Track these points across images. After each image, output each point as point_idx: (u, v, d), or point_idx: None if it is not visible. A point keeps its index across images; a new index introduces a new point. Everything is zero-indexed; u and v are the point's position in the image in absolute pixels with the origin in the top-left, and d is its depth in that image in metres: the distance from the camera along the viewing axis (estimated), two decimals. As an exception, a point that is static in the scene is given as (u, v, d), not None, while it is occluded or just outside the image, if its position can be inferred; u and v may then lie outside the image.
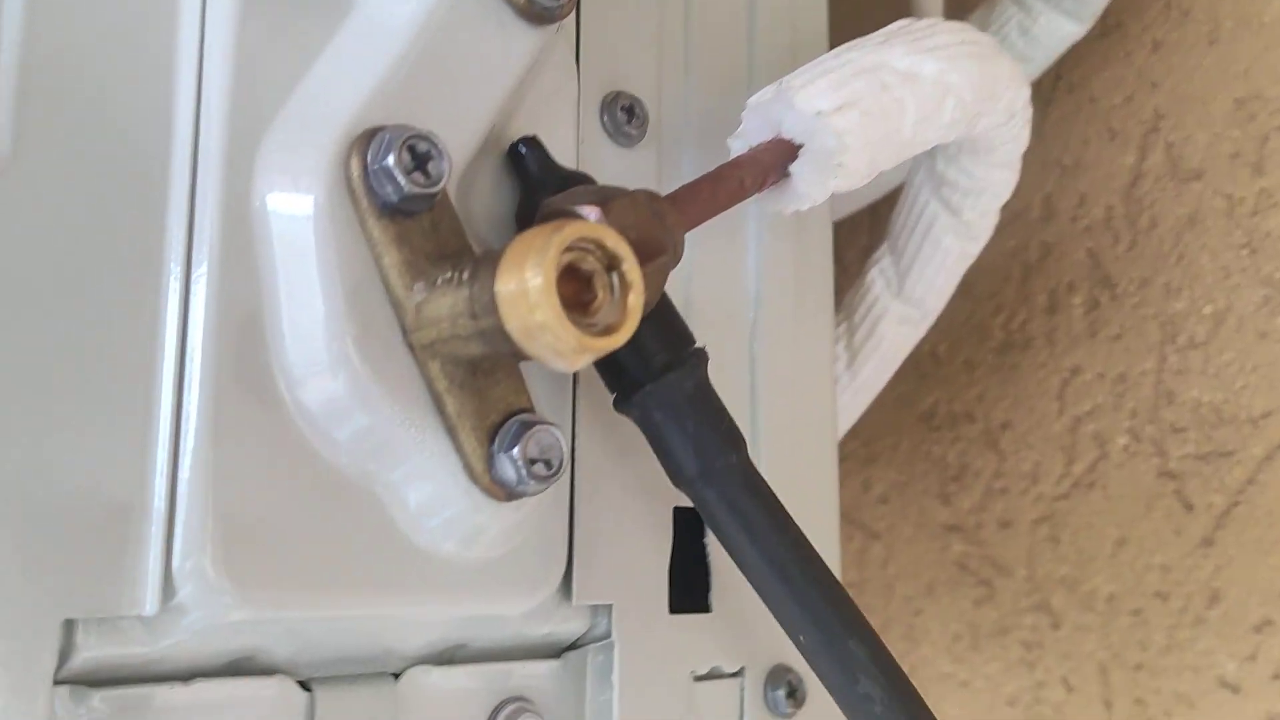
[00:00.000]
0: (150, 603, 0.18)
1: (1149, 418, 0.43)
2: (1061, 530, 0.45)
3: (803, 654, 0.22)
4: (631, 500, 0.25)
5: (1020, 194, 0.36)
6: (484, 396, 0.20)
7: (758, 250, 0.29)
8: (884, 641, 0.23)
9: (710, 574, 0.26)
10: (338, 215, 0.19)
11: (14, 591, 0.17)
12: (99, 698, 0.18)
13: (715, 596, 0.26)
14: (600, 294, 0.18)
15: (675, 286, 0.27)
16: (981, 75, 0.26)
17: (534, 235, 0.17)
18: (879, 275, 0.37)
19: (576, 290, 0.18)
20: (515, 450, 0.20)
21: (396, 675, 0.22)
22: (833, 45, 0.56)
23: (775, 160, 0.23)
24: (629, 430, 0.25)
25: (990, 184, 0.32)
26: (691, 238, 0.23)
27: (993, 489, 0.47)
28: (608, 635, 0.25)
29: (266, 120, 0.20)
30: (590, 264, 0.18)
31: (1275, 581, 0.38)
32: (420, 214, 0.20)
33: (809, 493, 0.29)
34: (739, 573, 0.27)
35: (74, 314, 0.18)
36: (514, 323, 0.17)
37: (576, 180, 0.23)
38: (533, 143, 0.23)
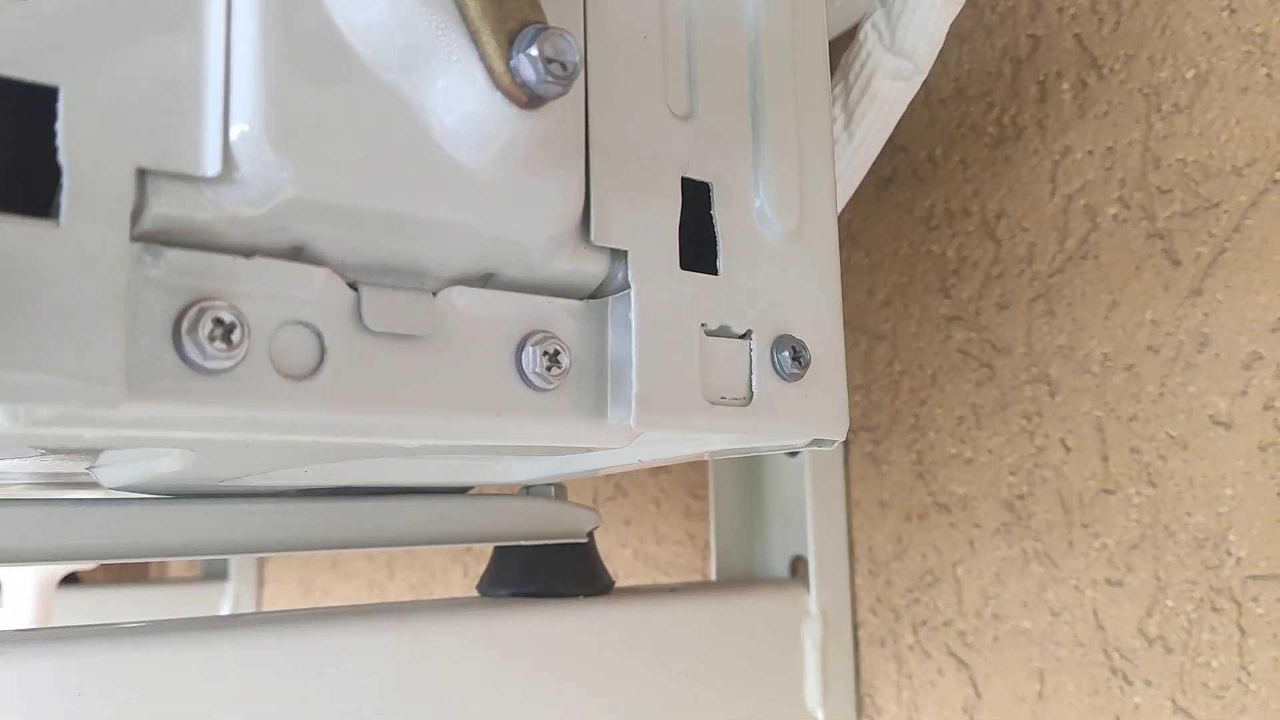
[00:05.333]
0: (212, 164, 0.20)
1: (1137, 185, 0.44)
2: (1056, 304, 0.47)
3: None
4: (642, 160, 0.27)
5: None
6: (502, 5, 0.22)
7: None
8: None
9: (718, 240, 0.28)
10: None
11: (96, 139, 0.19)
12: (171, 255, 0.20)
13: (722, 261, 0.28)
14: None
15: (674, 28, 0.28)
16: None
17: None
18: (871, 30, 0.39)
19: None
20: (532, 49, 0.22)
21: (434, 294, 0.24)
22: None
23: None
24: (638, 97, 0.27)
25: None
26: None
27: (990, 276, 0.49)
28: (626, 285, 0.27)
29: None
30: None
31: (1263, 318, 0.40)
32: None
33: (811, 248, 0.30)
34: (746, 244, 0.29)
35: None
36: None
37: None
38: None
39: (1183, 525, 0.42)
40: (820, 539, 0.53)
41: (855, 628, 0.54)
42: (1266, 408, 0.40)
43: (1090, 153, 0.46)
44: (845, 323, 0.55)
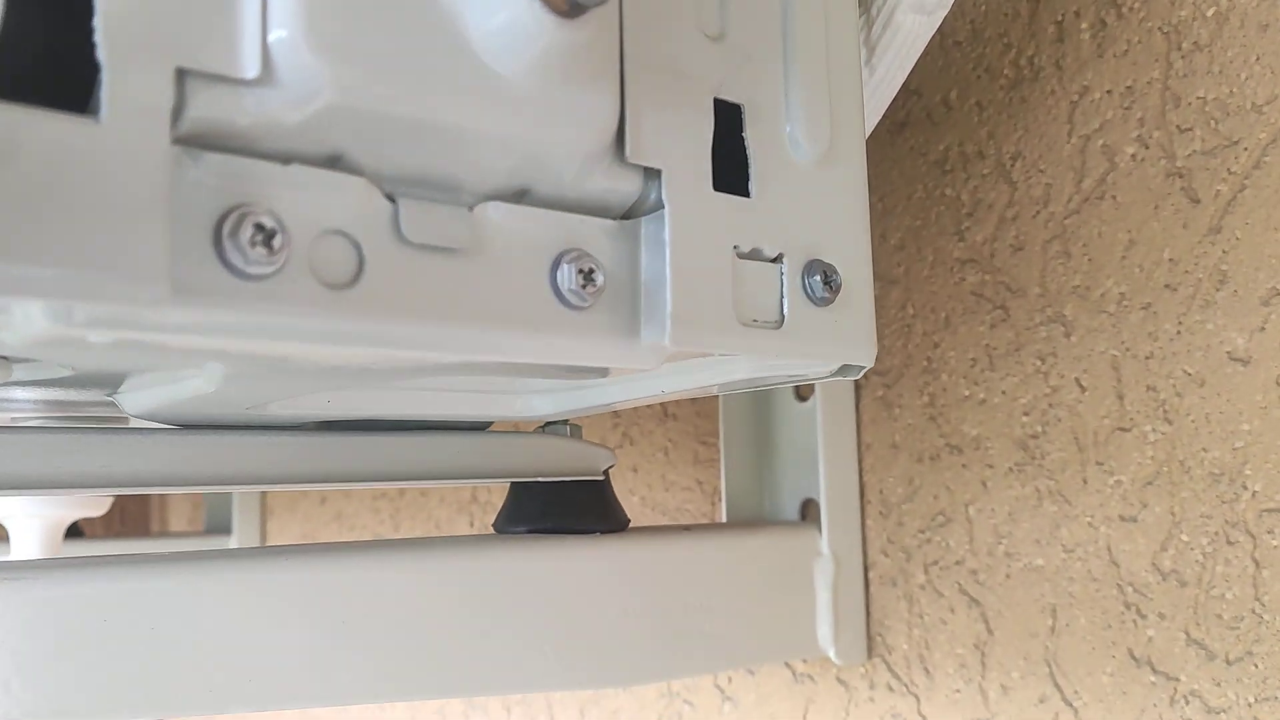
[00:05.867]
0: (251, 66, 0.20)
1: (1156, 124, 0.44)
2: (1072, 244, 0.46)
3: None
4: (675, 80, 0.27)
5: None
6: (543, -88, 0.22)
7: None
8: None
9: (750, 164, 0.28)
10: None
11: (134, 36, 0.19)
12: (210, 159, 0.20)
13: (754, 184, 0.28)
14: None
15: None
16: None
17: None
18: (894, -38, 0.38)
19: None
20: (575, -44, 0.22)
21: (470, 209, 0.24)
22: None
23: None
24: (669, 17, 0.27)
25: None
26: None
27: (1005, 218, 0.49)
28: (660, 206, 0.26)
29: None
30: None
31: (1280, 255, 0.40)
32: None
33: (840, 173, 0.30)
34: (777, 167, 0.29)
35: None
36: None
37: None
38: None
39: (1198, 461, 0.42)
40: (832, 482, 0.53)
41: (866, 568, 0.54)
42: (1284, 344, 0.40)
43: (1109, 92, 0.46)
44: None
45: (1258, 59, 0.41)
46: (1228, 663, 0.41)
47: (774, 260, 0.29)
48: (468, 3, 0.22)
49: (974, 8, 0.52)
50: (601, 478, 0.46)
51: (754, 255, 0.28)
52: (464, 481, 0.43)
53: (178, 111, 0.20)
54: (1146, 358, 0.44)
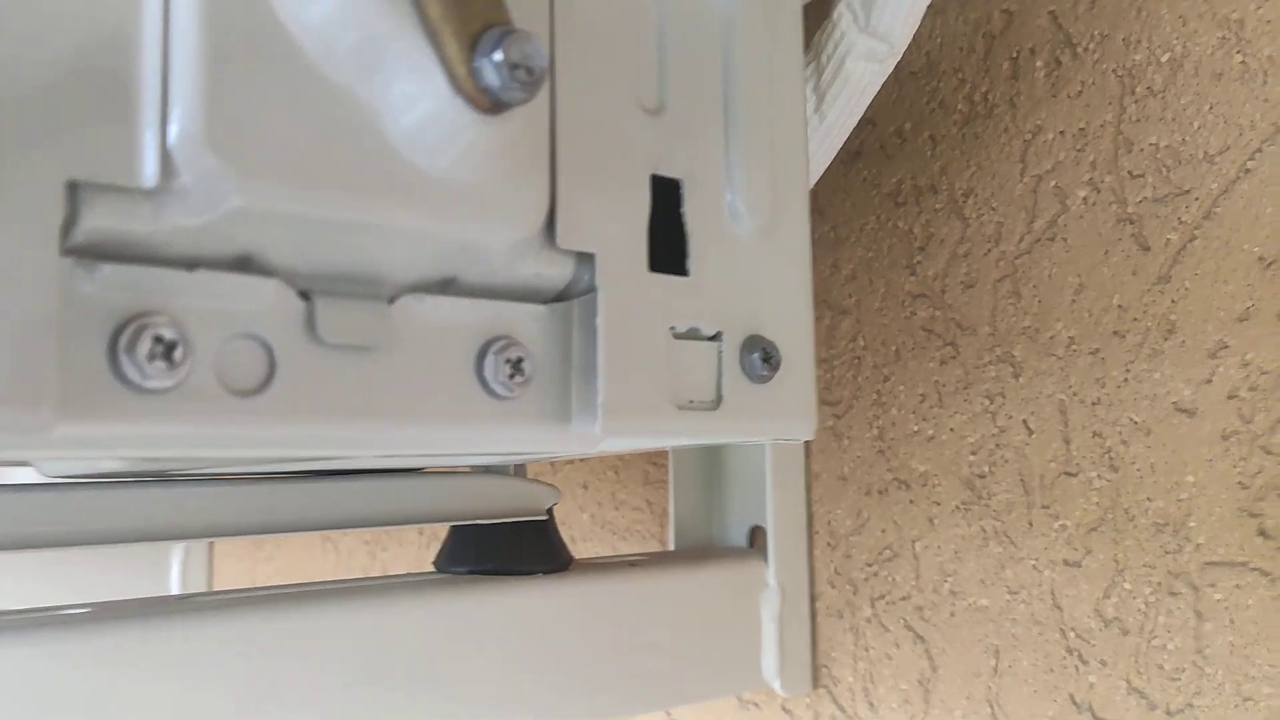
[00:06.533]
0: (149, 175, 0.19)
1: (1108, 168, 0.44)
2: (1023, 285, 0.46)
3: None
4: (611, 160, 0.26)
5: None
6: (465, 6, 0.21)
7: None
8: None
9: (687, 240, 0.27)
10: None
11: (16, 149, 0.18)
12: (108, 270, 0.19)
13: (692, 262, 0.28)
14: None
15: (645, 19, 0.27)
16: None
17: None
18: (845, 9, 0.37)
19: None
20: (497, 54, 0.21)
21: (391, 302, 0.23)
22: None
23: None
24: (607, 94, 0.26)
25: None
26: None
27: (957, 254, 0.49)
28: (593, 288, 0.26)
29: None
30: None
31: (1230, 307, 0.40)
32: None
33: (783, 243, 0.29)
34: (716, 241, 0.28)
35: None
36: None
37: None
38: None
39: (1143, 510, 0.42)
40: (780, 511, 0.53)
41: (813, 599, 0.54)
42: (1231, 397, 0.40)
43: (1062, 133, 0.45)
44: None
45: (1210, 108, 0.41)
46: (1168, 714, 0.41)
47: (712, 338, 0.28)
48: (386, 98, 0.21)
49: (930, 40, 0.51)
50: (545, 517, 0.45)
51: (691, 334, 0.27)
52: (405, 524, 0.42)
53: (69, 224, 0.19)
54: (1094, 403, 0.44)
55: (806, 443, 0.54)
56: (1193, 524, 0.40)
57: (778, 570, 0.52)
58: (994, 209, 0.47)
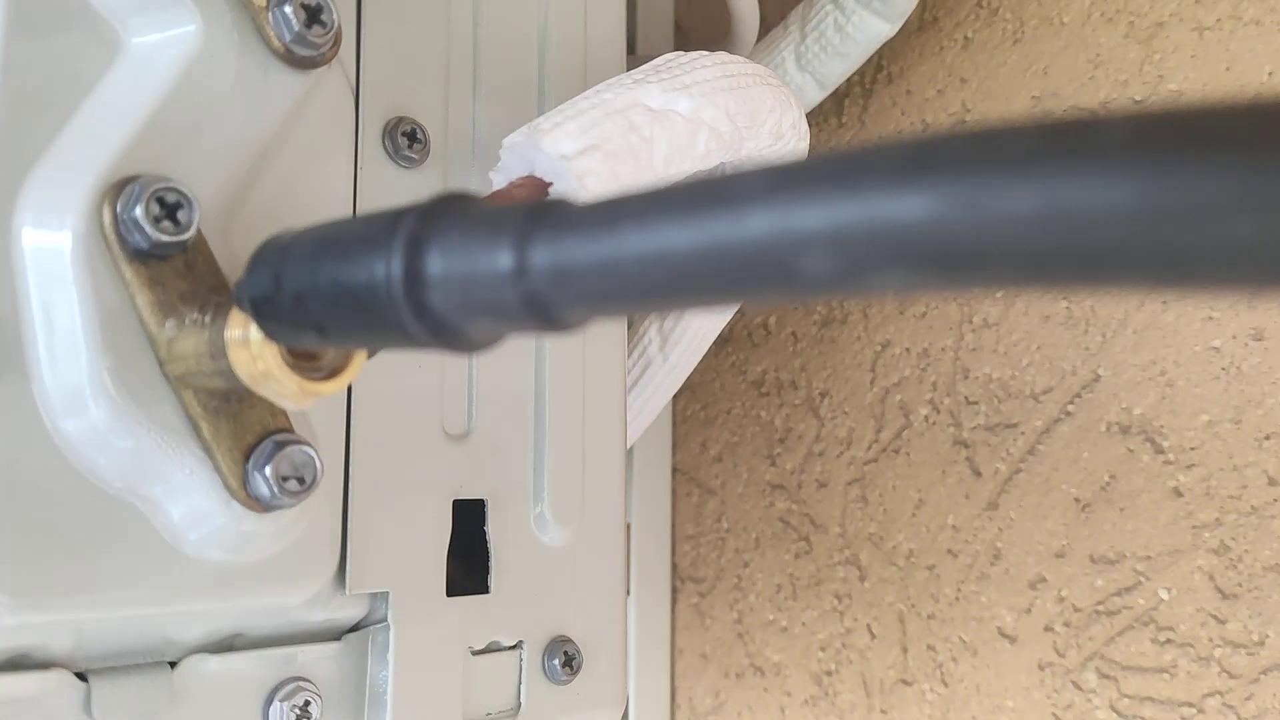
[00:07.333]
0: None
1: (947, 390, 0.46)
2: (870, 491, 0.48)
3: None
4: (410, 495, 0.27)
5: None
6: (239, 419, 0.22)
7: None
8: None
9: (491, 557, 0.29)
10: (92, 258, 0.21)
11: None
12: (-128, 701, 0.20)
13: (495, 579, 0.29)
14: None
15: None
16: (740, 106, 0.28)
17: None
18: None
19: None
20: (268, 469, 0.22)
21: (174, 664, 0.24)
22: (678, 46, 0.58)
23: (528, 196, 0.25)
24: (409, 428, 0.28)
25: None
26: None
27: (813, 452, 0.51)
28: (386, 618, 0.27)
29: (34, 154, 0.22)
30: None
31: (1049, 543, 0.42)
32: (173, 256, 0.21)
33: (593, 547, 0.31)
34: (521, 555, 0.30)
35: None
36: (241, 369, 0.19)
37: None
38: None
39: (967, 729, 0.44)
40: (641, 685, 0.54)
41: (675, 770, 0.56)
42: (1047, 629, 0.42)
43: (908, 350, 0.48)
44: (679, 471, 0.56)
45: (1038, 348, 0.43)
46: None
47: (512, 648, 0.29)
48: (161, 499, 0.22)
49: (795, 238, 0.53)
50: None
51: (490, 648, 0.29)
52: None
53: None
54: (929, 617, 0.46)
55: (672, 616, 0.56)
56: (1012, 746, 0.43)
57: (641, 741, 0.54)
58: (846, 413, 0.49)
